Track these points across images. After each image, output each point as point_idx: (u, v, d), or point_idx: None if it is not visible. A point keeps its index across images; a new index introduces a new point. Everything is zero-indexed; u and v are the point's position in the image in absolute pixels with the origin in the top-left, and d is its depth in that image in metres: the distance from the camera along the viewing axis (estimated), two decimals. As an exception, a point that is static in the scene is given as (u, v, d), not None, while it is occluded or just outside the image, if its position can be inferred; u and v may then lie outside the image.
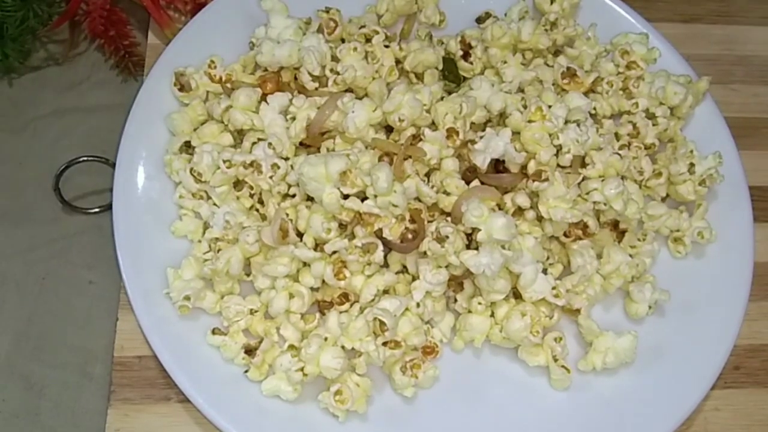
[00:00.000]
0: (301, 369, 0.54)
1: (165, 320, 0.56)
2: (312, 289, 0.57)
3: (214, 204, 0.59)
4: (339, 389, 0.54)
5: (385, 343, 0.55)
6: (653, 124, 0.64)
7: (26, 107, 0.67)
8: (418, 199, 0.58)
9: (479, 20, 0.68)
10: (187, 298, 0.55)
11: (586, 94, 0.64)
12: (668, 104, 0.65)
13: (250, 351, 0.56)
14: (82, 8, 0.68)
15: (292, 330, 0.56)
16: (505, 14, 0.69)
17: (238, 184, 0.59)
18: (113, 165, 0.62)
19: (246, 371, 0.56)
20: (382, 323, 0.54)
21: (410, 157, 0.58)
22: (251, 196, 0.59)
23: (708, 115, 0.67)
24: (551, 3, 0.68)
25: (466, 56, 0.65)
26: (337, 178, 0.55)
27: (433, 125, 0.60)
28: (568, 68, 0.64)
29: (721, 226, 0.63)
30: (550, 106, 0.60)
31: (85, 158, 0.63)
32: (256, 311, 0.57)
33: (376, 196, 0.55)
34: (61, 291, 0.61)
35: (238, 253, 0.56)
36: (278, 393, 0.55)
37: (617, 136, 0.64)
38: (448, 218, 0.58)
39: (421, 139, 0.58)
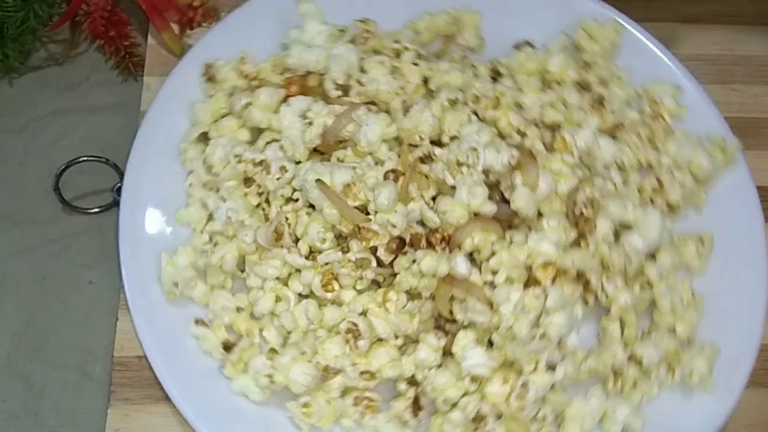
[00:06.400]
0: (270, 376, 0.54)
1: (161, 322, 0.56)
2: (300, 295, 0.56)
3: (222, 197, 0.59)
4: (307, 402, 0.54)
5: (361, 373, 0.54)
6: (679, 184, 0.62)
7: (26, 107, 0.67)
8: (422, 223, 0.57)
9: (518, 48, 0.67)
10: (176, 284, 0.56)
11: (610, 133, 0.62)
12: (694, 174, 0.62)
13: (228, 347, 0.56)
14: (83, 9, 0.68)
15: (275, 334, 0.56)
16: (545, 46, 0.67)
17: (248, 181, 0.59)
18: (113, 165, 0.63)
19: (223, 368, 0.56)
20: (355, 331, 0.54)
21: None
22: (259, 194, 0.59)
23: (739, 182, 0.64)
24: (590, 39, 0.66)
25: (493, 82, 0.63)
26: (340, 189, 0.54)
27: (442, 136, 0.59)
28: (598, 95, 0.62)
29: (731, 231, 0.63)
30: (579, 125, 0.59)
31: (85, 158, 0.63)
32: (242, 309, 0.57)
33: (376, 213, 0.55)
34: (61, 291, 0.61)
35: (234, 250, 0.56)
36: (246, 393, 0.55)
37: (640, 190, 0.61)
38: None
39: (432, 159, 0.57)
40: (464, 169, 0.55)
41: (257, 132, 0.61)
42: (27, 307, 0.60)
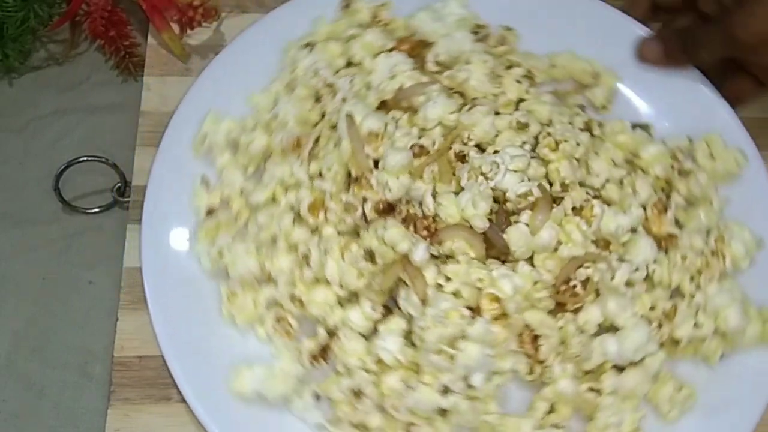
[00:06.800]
0: (220, 251, 0.56)
1: (177, 318, 0.56)
2: (291, 208, 0.57)
3: (290, 99, 0.61)
4: (235, 292, 0.56)
5: (292, 297, 0.55)
6: (695, 325, 0.56)
7: (26, 107, 0.67)
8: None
9: (634, 126, 0.64)
10: (204, 137, 0.59)
11: (660, 239, 0.58)
12: (719, 327, 0.56)
13: (210, 212, 0.58)
14: (83, 9, 0.68)
15: (256, 228, 0.57)
16: (663, 141, 0.63)
17: (318, 100, 0.61)
18: (113, 165, 0.63)
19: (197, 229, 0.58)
20: (308, 259, 0.55)
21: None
22: (322, 115, 0.61)
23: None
24: (709, 156, 0.62)
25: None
26: (365, 133, 0.56)
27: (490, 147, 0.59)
28: (661, 199, 0.59)
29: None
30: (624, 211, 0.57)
31: (85, 158, 0.63)
32: (244, 192, 0.59)
33: (383, 170, 0.55)
34: (61, 291, 0.61)
35: (263, 141, 0.59)
36: (199, 256, 0.57)
37: (653, 307, 0.56)
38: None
39: (465, 160, 0.57)
40: (480, 178, 0.56)
41: (351, 65, 0.63)
42: (27, 307, 0.60)
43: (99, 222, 0.63)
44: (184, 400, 0.55)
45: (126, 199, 0.62)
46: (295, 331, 0.55)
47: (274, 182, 0.58)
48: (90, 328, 0.60)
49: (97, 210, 0.63)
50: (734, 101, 0.67)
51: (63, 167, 0.62)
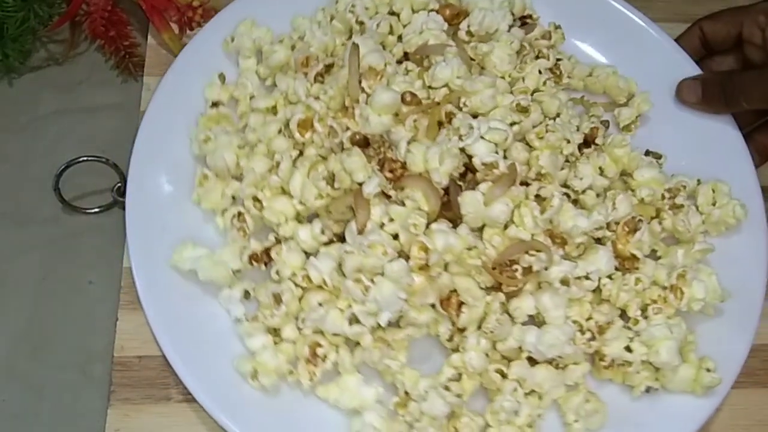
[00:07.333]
0: (207, 138, 0.59)
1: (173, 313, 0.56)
2: (287, 122, 0.59)
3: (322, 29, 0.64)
4: (207, 175, 0.59)
5: (255, 198, 0.57)
6: (627, 348, 0.56)
7: (26, 107, 0.67)
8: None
9: (647, 153, 0.64)
10: (233, 39, 0.64)
11: (622, 258, 0.58)
12: (651, 358, 0.56)
13: (214, 105, 0.62)
14: (83, 9, 0.68)
15: (252, 132, 0.60)
16: (672, 175, 0.63)
17: (350, 37, 0.63)
18: (113, 165, 0.63)
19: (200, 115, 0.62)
20: (277, 168, 0.57)
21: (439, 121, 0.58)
22: (343, 44, 0.64)
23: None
24: (711, 203, 0.62)
25: (586, 144, 0.62)
26: (366, 66, 0.57)
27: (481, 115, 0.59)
28: (634, 218, 0.58)
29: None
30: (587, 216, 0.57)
31: (85, 158, 0.63)
32: (253, 97, 0.63)
33: (369, 105, 0.56)
34: (61, 291, 0.61)
35: (283, 56, 0.62)
36: (192, 139, 0.61)
37: (589, 318, 0.56)
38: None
39: (451, 118, 0.57)
40: (455, 138, 0.55)
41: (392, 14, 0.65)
42: (27, 307, 0.60)
43: (99, 222, 0.63)
44: (183, 400, 0.56)
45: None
46: (249, 231, 0.57)
47: (277, 93, 0.62)
48: (90, 328, 0.60)
49: (97, 210, 0.64)
50: (762, 156, 0.66)
51: (63, 167, 0.62)
